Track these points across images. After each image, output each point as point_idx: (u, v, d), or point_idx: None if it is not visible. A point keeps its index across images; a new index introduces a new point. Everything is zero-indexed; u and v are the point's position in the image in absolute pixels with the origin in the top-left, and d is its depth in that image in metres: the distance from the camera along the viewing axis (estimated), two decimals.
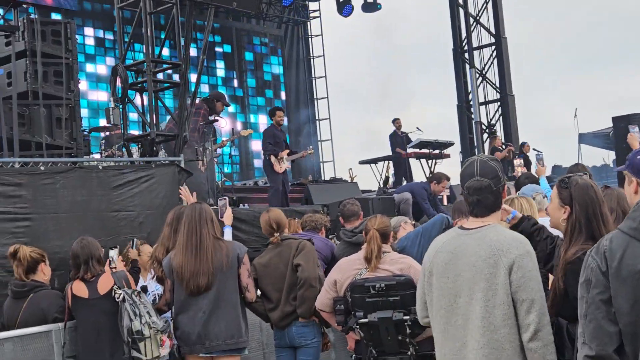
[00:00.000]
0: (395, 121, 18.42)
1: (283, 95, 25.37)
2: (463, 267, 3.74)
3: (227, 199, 7.19)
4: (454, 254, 3.79)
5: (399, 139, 18.13)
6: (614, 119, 17.35)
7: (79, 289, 6.07)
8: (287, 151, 13.37)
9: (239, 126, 22.17)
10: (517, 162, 11.62)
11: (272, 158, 13.09)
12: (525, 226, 4.45)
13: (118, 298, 5.90)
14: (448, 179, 12.58)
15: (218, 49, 23.62)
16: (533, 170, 13.30)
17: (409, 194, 12.42)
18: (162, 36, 10.97)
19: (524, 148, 19.39)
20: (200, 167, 11.58)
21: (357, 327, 5.66)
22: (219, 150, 14.59)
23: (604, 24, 47.20)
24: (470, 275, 3.71)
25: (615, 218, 4.59)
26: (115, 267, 6.36)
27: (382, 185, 16.83)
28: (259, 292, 6.46)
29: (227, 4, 10.16)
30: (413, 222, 8.76)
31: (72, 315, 6.07)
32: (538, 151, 8.90)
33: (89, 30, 20.23)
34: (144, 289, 6.76)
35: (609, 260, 3.01)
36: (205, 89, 21.60)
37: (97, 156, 13.47)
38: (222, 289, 5.83)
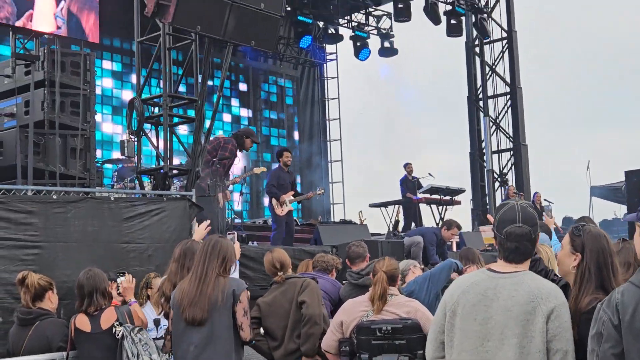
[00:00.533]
0: (407, 166, 18.44)
1: (296, 135, 25.49)
2: (496, 310, 3.69)
3: (236, 233, 7.21)
4: (485, 296, 3.74)
5: (410, 183, 18.15)
6: (627, 173, 17.38)
7: (82, 322, 6.06)
8: (291, 193, 13.35)
9: (251, 164, 22.24)
10: None
11: (274, 201, 13.12)
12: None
13: (117, 335, 5.90)
14: (459, 227, 12.56)
15: (234, 87, 23.80)
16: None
17: (420, 237, 12.44)
18: (180, 72, 11.03)
19: (536, 198, 19.38)
20: (220, 199, 11.52)
21: None
22: (230, 187, 14.61)
23: (620, 79, 47.36)
24: (504, 320, 3.66)
25: (633, 272, 4.58)
26: (122, 293, 6.38)
27: (391, 229, 16.82)
28: (262, 331, 6.45)
29: (245, 43, 10.22)
30: (422, 266, 8.75)
31: (75, 347, 6.07)
32: (548, 202, 8.90)
33: (107, 64, 20.44)
34: (157, 322, 6.75)
35: (621, 314, 3.02)
36: (218, 125, 21.74)
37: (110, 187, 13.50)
38: (216, 325, 5.68)
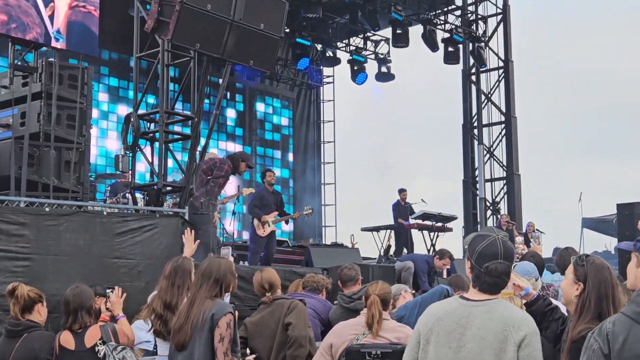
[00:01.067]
0: (402, 192, 18.43)
1: (291, 156, 25.50)
2: (470, 338, 3.69)
3: (230, 248, 7.17)
4: (459, 325, 3.73)
5: (402, 209, 18.16)
6: (618, 206, 17.45)
7: (66, 340, 6.02)
8: (275, 213, 13.32)
9: (243, 184, 22.23)
10: (519, 239, 11.48)
11: (255, 221, 13.08)
12: (540, 305, 4.45)
13: (99, 354, 5.85)
14: (451, 257, 12.56)
15: (230, 106, 23.83)
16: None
17: (411, 262, 12.44)
18: (176, 89, 11.06)
19: (529, 228, 19.40)
20: (216, 217, 11.47)
21: None
22: (220, 207, 14.58)
23: (615, 113, 47.59)
24: (478, 348, 3.66)
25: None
26: (110, 308, 6.34)
27: (382, 254, 16.81)
28: (248, 351, 6.42)
29: (244, 62, 10.26)
30: (412, 291, 8.74)
31: None
32: (539, 232, 8.91)
33: (104, 78, 20.48)
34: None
35: (611, 343, 3.03)
36: (213, 144, 21.74)
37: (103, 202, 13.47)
38: (195, 350, 5.46)
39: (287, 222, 14.47)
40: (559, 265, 7.79)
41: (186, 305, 5.62)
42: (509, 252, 3.83)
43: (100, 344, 5.89)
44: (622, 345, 3.00)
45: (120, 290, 6.68)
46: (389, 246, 17.44)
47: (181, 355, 5.50)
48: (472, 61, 23.36)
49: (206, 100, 14.05)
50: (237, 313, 5.83)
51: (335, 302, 7.63)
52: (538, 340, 3.69)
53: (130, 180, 10.96)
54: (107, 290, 6.55)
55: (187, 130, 11.00)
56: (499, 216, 20.86)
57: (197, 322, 5.45)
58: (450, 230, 18.18)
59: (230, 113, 23.89)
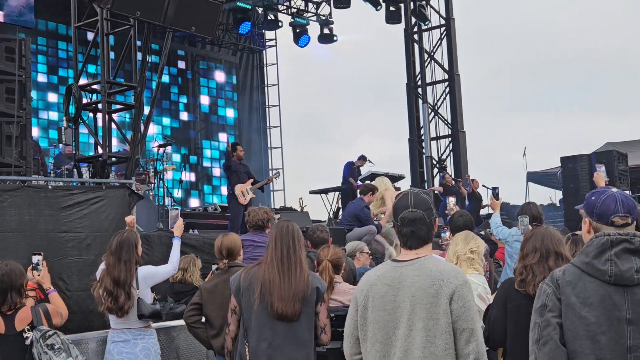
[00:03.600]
0: (361, 158, 18.08)
1: (236, 121, 25.36)
2: (402, 298, 3.71)
3: (180, 209, 7.08)
4: (391, 286, 3.75)
5: (354, 169, 18.14)
6: (562, 159, 17.64)
7: None
8: (251, 181, 13.37)
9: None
10: (452, 200, 11.20)
11: (237, 191, 13.10)
12: None
13: (27, 342, 5.59)
14: (374, 189, 12.42)
15: (172, 73, 23.57)
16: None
17: (374, 227, 12.03)
18: (118, 58, 10.87)
19: (474, 184, 19.57)
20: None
21: None
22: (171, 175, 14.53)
23: (555, 67, 48.12)
24: (410, 306, 3.68)
25: (540, 257, 4.73)
26: (40, 274, 6.15)
27: (332, 216, 16.84)
28: (203, 319, 6.38)
29: (185, 29, 10.13)
30: (368, 251, 8.71)
31: None
32: (494, 187, 8.88)
33: (42, 49, 20.07)
34: None
35: (562, 289, 3.25)
36: (157, 113, 21.52)
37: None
38: (300, 321, 5.09)
39: (262, 190, 14.47)
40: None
41: (279, 270, 5.12)
42: (420, 201, 3.84)
43: (29, 329, 5.63)
44: (571, 292, 3.21)
45: (44, 261, 6.36)
46: (339, 208, 17.49)
47: (282, 324, 5.08)
48: (414, 20, 23.37)
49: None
50: None
51: None
52: (470, 291, 3.72)
53: (74, 152, 10.79)
54: (33, 256, 6.28)
55: (131, 100, 10.82)
56: (444, 173, 20.96)
57: (304, 294, 5.09)
58: (398, 189, 18.25)
59: (173, 80, 23.64)
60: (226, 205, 14.67)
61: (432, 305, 3.64)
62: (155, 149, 16.00)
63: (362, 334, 3.84)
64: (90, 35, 10.48)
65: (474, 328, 3.64)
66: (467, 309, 3.65)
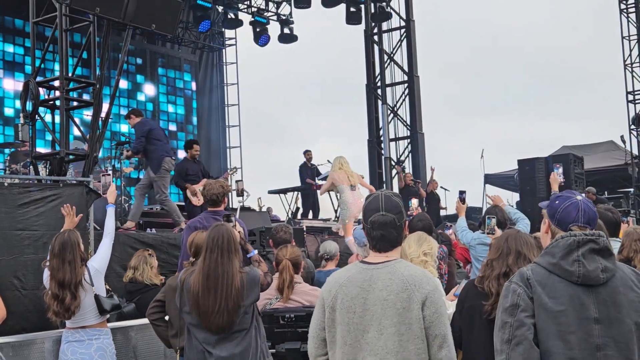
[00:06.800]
0: (306, 153, 18.47)
1: (194, 120, 25.26)
2: (373, 301, 3.69)
3: (111, 175, 6.93)
4: (362, 288, 3.72)
5: (309, 170, 18.21)
6: (519, 162, 17.84)
7: None
8: (204, 181, 13.22)
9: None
10: (415, 201, 11.00)
11: (188, 192, 13.01)
12: None
13: None
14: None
15: (131, 71, 23.39)
16: (452, 208, 13.29)
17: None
18: (77, 55, 10.75)
19: (432, 185, 19.69)
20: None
21: None
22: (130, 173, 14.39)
23: (512, 70, 48.62)
24: (381, 310, 3.66)
25: (501, 253, 4.77)
26: None
27: (290, 216, 16.83)
28: (167, 317, 6.32)
29: (145, 26, 10.05)
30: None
31: None
32: (461, 192, 8.89)
33: None
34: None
35: (533, 289, 3.29)
36: (115, 110, 21.33)
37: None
38: None
39: None
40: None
41: (207, 287, 5.23)
42: (391, 205, 3.82)
43: None
44: (542, 292, 3.27)
45: None
46: (297, 208, 17.50)
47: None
48: (373, 23, 23.45)
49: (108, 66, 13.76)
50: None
51: None
52: (440, 296, 3.74)
53: (30, 149, 10.65)
54: None
55: (89, 97, 10.71)
56: (403, 174, 21.06)
57: (231, 303, 5.17)
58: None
59: (132, 78, 23.46)
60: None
61: (405, 310, 3.63)
62: (115, 148, 15.85)
63: (330, 335, 3.82)
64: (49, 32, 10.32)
65: (446, 334, 3.66)
66: (440, 315, 3.66)
